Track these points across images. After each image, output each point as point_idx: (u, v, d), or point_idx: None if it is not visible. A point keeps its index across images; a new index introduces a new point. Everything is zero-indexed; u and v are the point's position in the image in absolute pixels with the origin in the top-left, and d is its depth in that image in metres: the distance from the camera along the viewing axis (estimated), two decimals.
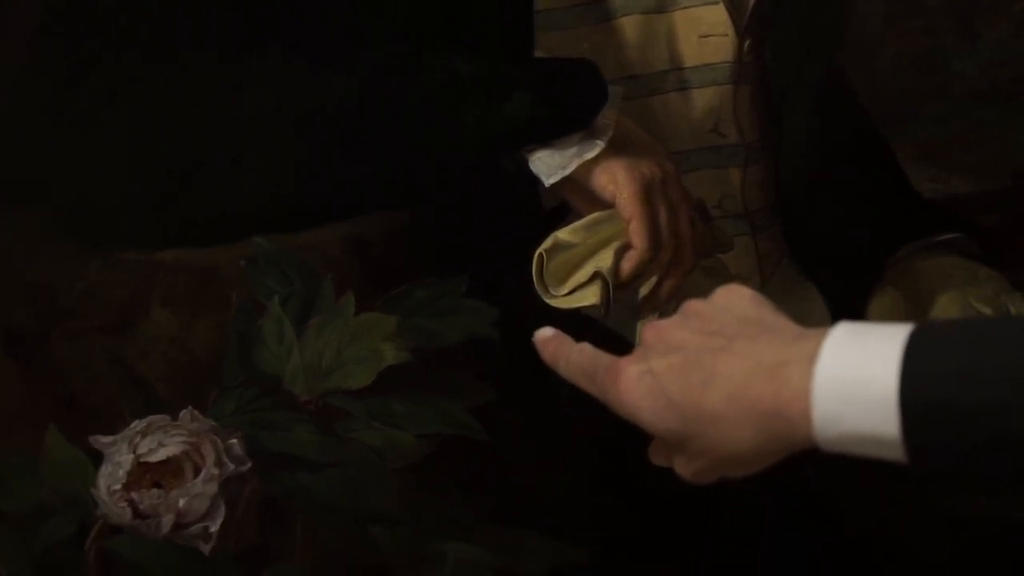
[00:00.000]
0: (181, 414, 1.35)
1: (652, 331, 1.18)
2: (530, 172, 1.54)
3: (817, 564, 1.69)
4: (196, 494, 1.31)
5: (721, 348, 1.13)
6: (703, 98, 1.72)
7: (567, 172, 1.52)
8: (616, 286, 1.51)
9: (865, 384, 1.05)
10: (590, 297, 1.51)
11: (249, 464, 1.34)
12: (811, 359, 1.08)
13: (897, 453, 1.06)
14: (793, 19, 1.76)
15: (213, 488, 1.31)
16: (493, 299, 1.51)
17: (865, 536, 1.67)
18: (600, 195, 1.53)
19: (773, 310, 1.18)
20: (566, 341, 1.25)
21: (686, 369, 1.14)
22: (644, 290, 1.58)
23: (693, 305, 1.19)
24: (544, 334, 1.27)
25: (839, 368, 1.07)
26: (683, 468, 1.18)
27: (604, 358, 1.20)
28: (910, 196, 1.93)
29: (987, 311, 1.76)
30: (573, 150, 1.53)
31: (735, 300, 1.18)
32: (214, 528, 1.31)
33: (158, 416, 1.34)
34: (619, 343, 1.68)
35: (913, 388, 1.04)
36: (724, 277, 1.67)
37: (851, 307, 1.85)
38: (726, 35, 1.70)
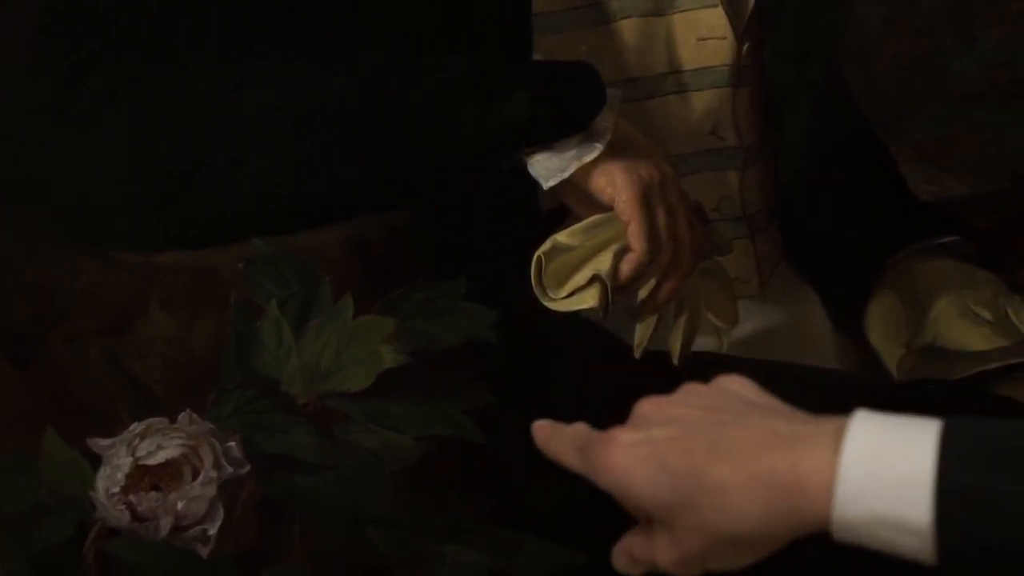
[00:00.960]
0: (180, 417, 1.35)
1: (650, 405, 1.13)
2: (529, 175, 1.55)
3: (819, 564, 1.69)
4: (194, 496, 1.31)
5: (729, 422, 1.08)
6: (702, 101, 1.72)
7: (566, 175, 1.52)
8: (615, 289, 1.51)
9: (897, 463, 1.01)
10: (589, 300, 1.51)
11: (248, 467, 1.34)
12: (835, 435, 1.04)
13: (919, 540, 1.01)
14: (792, 21, 1.76)
15: (211, 490, 1.31)
16: (492, 301, 1.51)
17: None
18: (599, 198, 1.53)
19: (779, 400, 1.12)
20: (561, 425, 1.20)
21: (688, 438, 1.08)
22: (643, 293, 1.58)
23: (694, 386, 1.14)
24: (540, 422, 1.21)
25: (869, 445, 1.02)
26: (665, 553, 1.11)
27: (597, 432, 1.14)
28: (908, 199, 1.93)
29: (985, 314, 1.76)
30: (572, 153, 1.53)
31: (738, 386, 1.13)
32: (212, 530, 1.31)
33: (156, 419, 1.34)
34: (618, 345, 1.69)
35: (950, 471, 1.00)
36: (722, 279, 1.67)
37: (850, 309, 1.86)
38: (724, 38, 1.70)
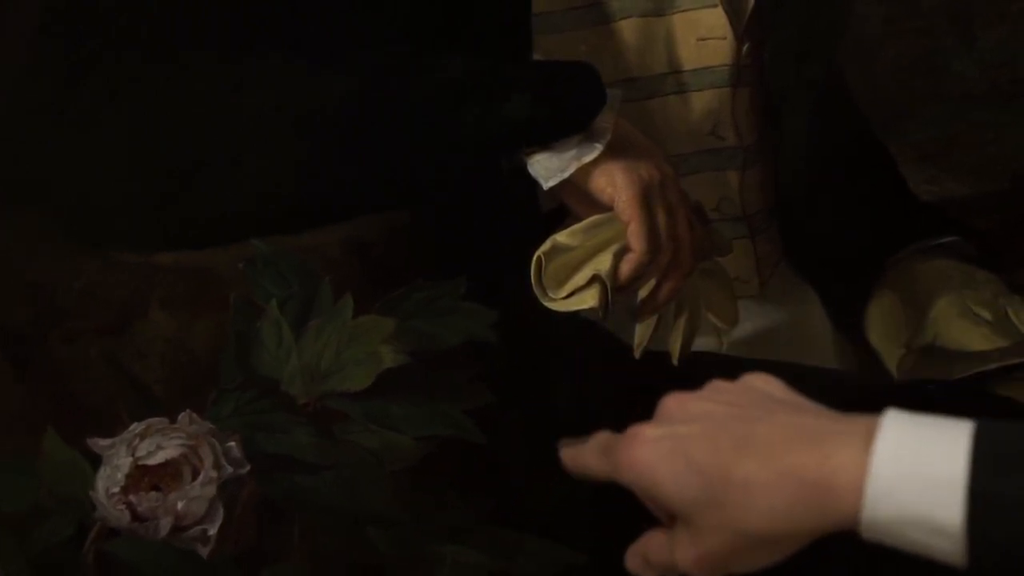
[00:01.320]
0: (180, 417, 1.35)
1: (675, 401, 1.11)
2: (529, 175, 1.55)
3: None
4: (194, 497, 1.31)
5: (756, 418, 1.07)
6: (702, 101, 1.72)
7: (566, 175, 1.52)
8: (615, 289, 1.51)
9: (930, 463, 0.99)
10: (589, 300, 1.51)
11: (248, 467, 1.34)
12: (865, 433, 1.02)
13: (950, 542, 1.00)
14: (792, 21, 1.76)
15: (211, 491, 1.31)
16: (492, 301, 1.51)
17: None
18: (598, 198, 1.53)
19: (805, 398, 1.10)
20: (583, 438, 1.18)
21: (715, 434, 1.06)
22: (643, 293, 1.58)
23: (720, 383, 1.12)
24: (566, 443, 1.20)
25: (901, 444, 1.01)
26: (686, 550, 1.08)
27: (620, 434, 1.13)
28: (908, 199, 1.93)
29: (985, 314, 1.77)
30: (571, 153, 1.53)
31: (762, 384, 1.12)
32: (212, 531, 1.31)
33: (156, 419, 1.34)
34: (618, 345, 1.69)
35: (983, 473, 0.98)
36: (722, 280, 1.67)
37: (850, 309, 1.86)
38: (724, 38, 1.70)
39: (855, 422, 1.04)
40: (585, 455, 1.16)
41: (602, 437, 1.16)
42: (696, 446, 1.06)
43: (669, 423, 1.10)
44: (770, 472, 1.03)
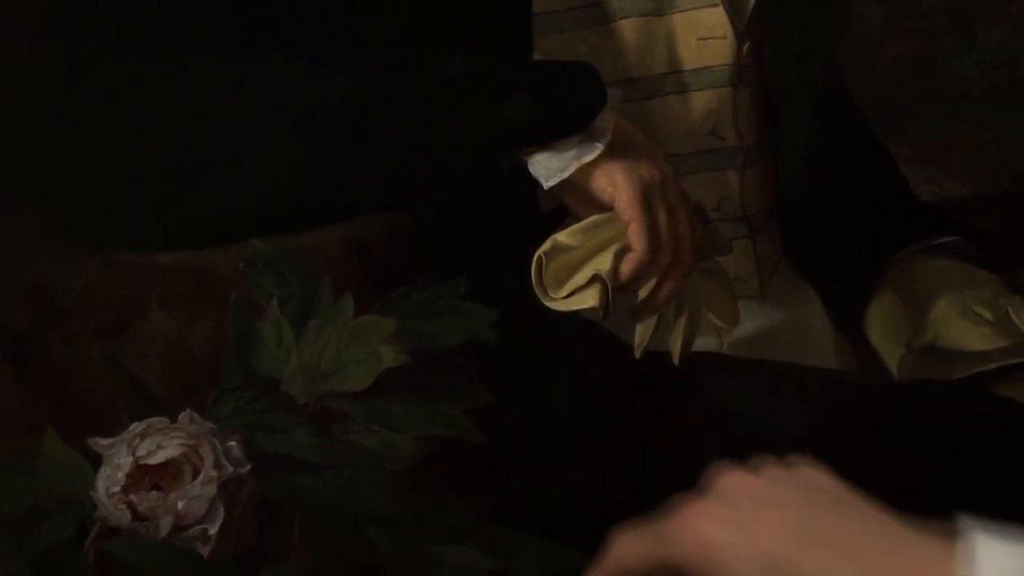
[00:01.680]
0: (180, 416, 1.34)
1: (735, 481, 1.04)
2: (529, 175, 1.55)
3: None
4: (195, 496, 1.31)
5: (826, 511, 1.01)
6: (702, 101, 1.72)
7: (566, 175, 1.52)
8: (615, 289, 1.52)
9: None
10: (589, 300, 1.51)
11: (248, 466, 1.34)
12: (946, 538, 0.97)
13: None
14: (793, 20, 1.77)
15: (212, 490, 1.31)
16: (492, 301, 1.51)
17: None
18: (599, 198, 1.53)
19: (857, 492, 1.04)
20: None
21: (786, 522, 1.00)
22: (643, 293, 1.58)
23: (775, 469, 1.05)
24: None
25: (993, 556, 0.94)
26: None
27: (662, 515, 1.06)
28: (908, 199, 1.93)
29: (985, 314, 1.77)
30: (572, 153, 1.53)
31: (817, 476, 1.05)
32: (213, 530, 1.31)
33: (157, 418, 1.33)
34: (618, 345, 1.69)
35: None
36: (722, 279, 1.67)
37: (850, 309, 1.86)
38: (725, 38, 1.70)
39: (930, 527, 0.99)
40: (615, 548, 1.11)
41: (624, 530, 1.10)
42: (767, 533, 1.01)
43: (732, 504, 1.03)
44: (846, 569, 0.98)
